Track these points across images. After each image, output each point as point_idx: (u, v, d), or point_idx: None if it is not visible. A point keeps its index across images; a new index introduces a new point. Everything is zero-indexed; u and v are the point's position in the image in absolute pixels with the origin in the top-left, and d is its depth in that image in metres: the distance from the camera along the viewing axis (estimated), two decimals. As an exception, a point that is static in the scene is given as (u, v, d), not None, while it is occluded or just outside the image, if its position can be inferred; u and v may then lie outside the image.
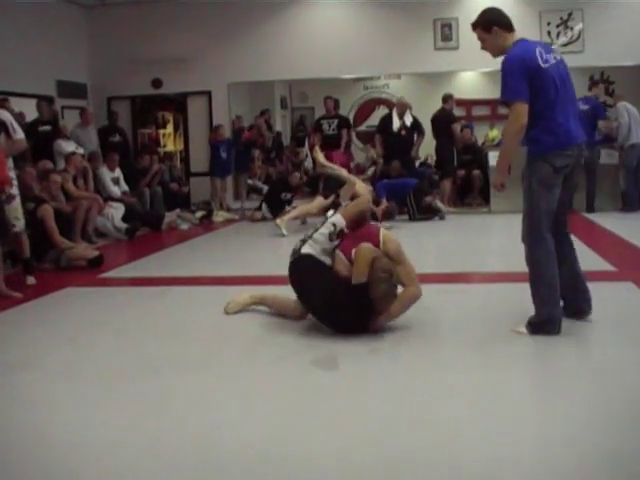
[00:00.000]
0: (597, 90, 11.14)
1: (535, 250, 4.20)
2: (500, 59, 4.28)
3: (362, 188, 5.09)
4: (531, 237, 4.21)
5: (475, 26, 4.38)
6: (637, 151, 10.57)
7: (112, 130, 12.37)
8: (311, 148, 11.43)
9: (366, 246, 4.30)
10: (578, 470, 2.56)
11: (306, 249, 4.57)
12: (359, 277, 4.22)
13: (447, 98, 12.28)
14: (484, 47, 4.41)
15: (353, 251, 4.33)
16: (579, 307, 4.46)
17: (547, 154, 4.14)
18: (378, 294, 4.20)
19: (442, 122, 12.05)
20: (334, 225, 4.56)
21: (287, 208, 10.83)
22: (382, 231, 4.56)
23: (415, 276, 4.48)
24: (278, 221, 9.37)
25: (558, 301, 4.24)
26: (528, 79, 4.06)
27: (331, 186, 9.16)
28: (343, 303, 4.29)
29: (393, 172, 11.38)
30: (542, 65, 4.09)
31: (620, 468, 2.53)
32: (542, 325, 4.18)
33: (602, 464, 2.59)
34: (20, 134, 6.21)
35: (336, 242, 4.51)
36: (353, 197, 5.01)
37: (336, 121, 12.25)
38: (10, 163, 6.17)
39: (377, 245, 4.40)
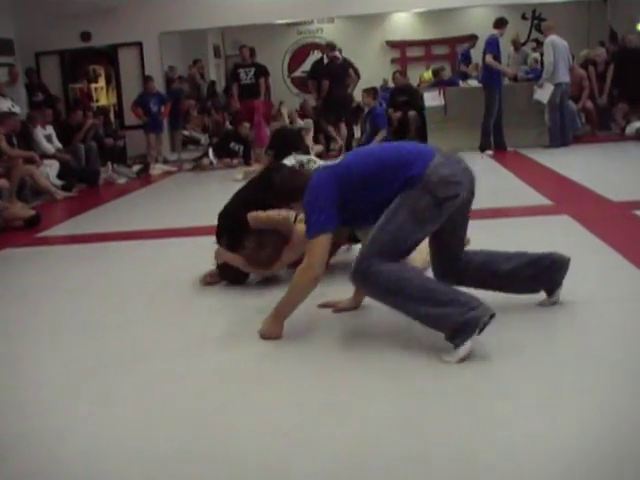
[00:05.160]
0: (501, 30, 10.91)
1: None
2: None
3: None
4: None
5: None
6: (561, 89, 10.65)
7: (34, 89, 12.06)
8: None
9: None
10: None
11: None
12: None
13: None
14: None
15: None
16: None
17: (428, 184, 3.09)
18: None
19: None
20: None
21: (235, 161, 11.15)
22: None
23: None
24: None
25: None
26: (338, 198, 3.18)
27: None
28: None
29: None
30: (335, 162, 3.38)
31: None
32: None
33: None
34: None
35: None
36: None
37: (253, 69, 12.14)
38: None
39: None
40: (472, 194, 3.27)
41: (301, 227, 3.98)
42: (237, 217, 4.24)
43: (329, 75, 11.55)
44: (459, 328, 2.91)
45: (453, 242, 3.41)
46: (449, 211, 3.15)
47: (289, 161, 4.41)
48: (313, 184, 3.23)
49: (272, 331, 3.34)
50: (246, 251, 4.22)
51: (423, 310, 3.01)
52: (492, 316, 2.94)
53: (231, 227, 4.33)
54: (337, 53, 11.87)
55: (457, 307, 2.93)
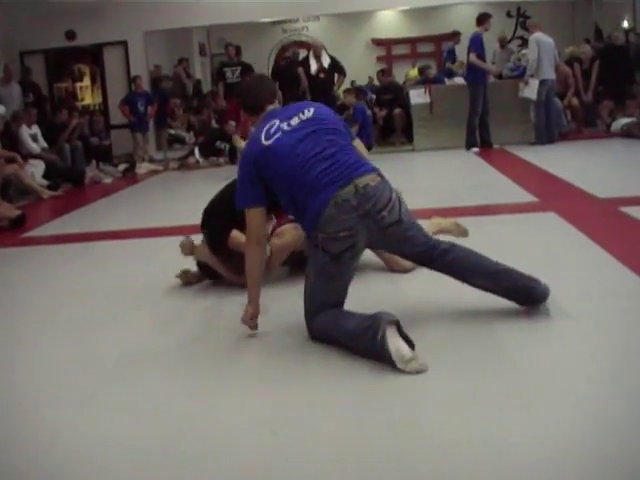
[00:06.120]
0: (485, 25, 10.87)
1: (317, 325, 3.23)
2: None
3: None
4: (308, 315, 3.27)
5: None
6: (546, 86, 10.68)
7: (26, 89, 12.00)
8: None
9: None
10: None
11: None
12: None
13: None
14: None
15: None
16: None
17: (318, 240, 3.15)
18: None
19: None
20: None
21: (221, 159, 11.47)
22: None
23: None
24: None
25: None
26: (257, 176, 3.24)
27: None
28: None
29: None
30: (265, 143, 3.22)
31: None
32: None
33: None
34: None
35: None
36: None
37: (239, 68, 12.07)
38: None
39: None
40: (387, 219, 3.15)
41: (277, 242, 4.09)
42: (218, 226, 4.23)
43: (277, 78, 11.52)
44: (378, 358, 2.88)
45: (406, 248, 3.36)
46: (354, 256, 3.19)
47: None
48: (243, 154, 3.42)
49: (247, 312, 3.37)
50: (223, 257, 4.25)
51: (360, 349, 2.99)
52: (393, 323, 2.88)
53: (210, 234, 4.31)
54: (289, 54, 11.88)
55: (366, 339, 2.91)
